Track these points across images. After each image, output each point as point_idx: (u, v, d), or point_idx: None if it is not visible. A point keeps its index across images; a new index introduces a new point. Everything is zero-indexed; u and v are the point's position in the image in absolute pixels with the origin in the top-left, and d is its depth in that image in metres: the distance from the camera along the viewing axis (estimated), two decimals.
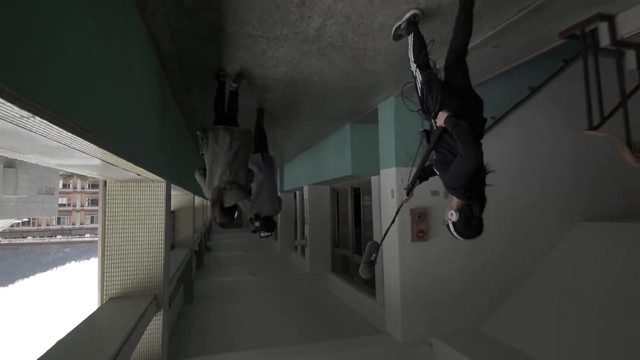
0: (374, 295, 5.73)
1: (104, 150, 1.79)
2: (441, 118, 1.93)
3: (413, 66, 2.20)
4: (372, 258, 2.17)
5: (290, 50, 2.89)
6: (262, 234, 4.33)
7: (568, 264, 4.29)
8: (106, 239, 3.32)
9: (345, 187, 7.26)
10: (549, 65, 4.82)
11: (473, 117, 1.92)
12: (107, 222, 3.32)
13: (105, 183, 3.38)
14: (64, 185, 47.62)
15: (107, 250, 3.30)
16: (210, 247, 13.99)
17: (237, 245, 14.34)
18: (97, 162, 2.20)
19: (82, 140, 1.47)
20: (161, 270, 3.42)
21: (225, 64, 3.17)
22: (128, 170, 2.65)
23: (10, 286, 26.07)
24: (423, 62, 2.15)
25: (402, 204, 2.43)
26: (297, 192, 10.82)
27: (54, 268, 31.98)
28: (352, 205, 6.95)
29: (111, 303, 3.18)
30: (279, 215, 11.78)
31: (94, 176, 3.29)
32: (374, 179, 5.63)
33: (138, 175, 2.94)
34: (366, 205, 6.29)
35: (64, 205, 47.61)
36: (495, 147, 4.47)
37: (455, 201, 1.97)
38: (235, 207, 3.37)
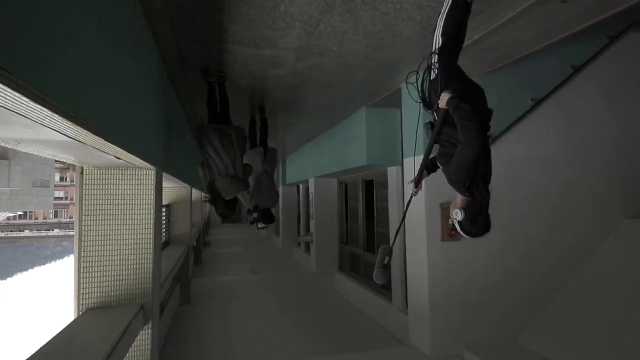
0: (389, 298, 5.19)
1: (70, 123, 1.27)
2: (444, 99, 1.82)
3: (439, 38, 1.93)
4: (386, 262, 2.05)
5: (309, 4, 2.31)
6: (259, 225, 4.54)
7: (617, 267, 3.75)
8: (83, 238, 2.76)
9: (355, 179, 6.69)
10: (593, 42, 4.25)
11: (476, 105, 1.78)
12: (84, 218, 2.76)
13: (82, 170, 2.81)
14: (61, 179, 46.95)
15: (84, 252, 2.75)
16: (209, 243, 13.46)
17: (236, 240, 13.81)
18: (65, 139, 1.65)
19: (41, 108, 1.04)
20: (150, 275, 2.86)
21: (230, 24, 2.59)
22: (105, 152, 2.09)
23: (9, 280, 25.59)
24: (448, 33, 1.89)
25: (411, 197, 2.24)
26: (302, 186, 10.27)
27: (53, 262, 31.50)
28: (363, 200, 6.39)
29: (89, 316, 2.62)
30: (280, 211, 11.25)
31: (69, 161, 2.73)
32: (391, 170, 5.07)
33: (118, 159, 2.38)
34: (381, 199, 5.74)
35: (61, 198, 46.98)
36: (534, 131, 3.91)
37: (459, 199, 1.85)
38: (236, 200, 3.64)
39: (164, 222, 6.32)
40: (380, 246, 2.17)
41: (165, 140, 3.68)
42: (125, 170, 2.86)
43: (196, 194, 9.82)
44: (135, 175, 2.89)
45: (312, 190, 7.73)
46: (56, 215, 46.98)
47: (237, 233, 16.18)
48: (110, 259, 2.78)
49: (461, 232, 1.88)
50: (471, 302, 3.63)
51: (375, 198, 5.87)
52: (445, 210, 3.55)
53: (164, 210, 6.41)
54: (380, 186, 5.75)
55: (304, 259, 9.59)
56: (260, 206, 4.52)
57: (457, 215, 1.82)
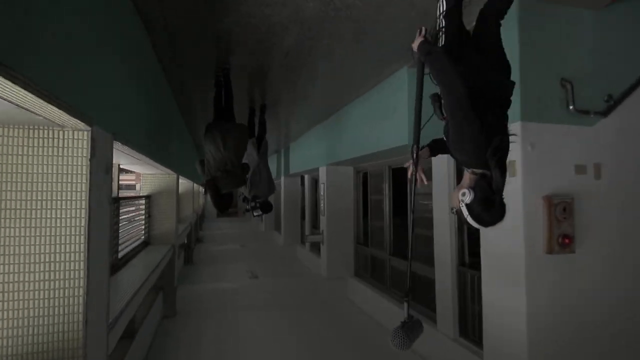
0: (431, 319, 4.01)
1: None
2: (416, 43, 1.65)
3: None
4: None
5: None
6: (255, 213, 4.72)
7: None
8: None
9: (378, 167, 5.47)
10: None
11: (492, 77, 1.55)
12: None
13: None
14: None
15: None
16: (201, 238, 12.24)
17: (233, 236, 12.58)
18: None
19: None
20: (79, 317, 1.64)
21: None
22: None
23: None
24: None
25: (414, 185, 1.85)
26: (307, 176, 9.02)
27: None
28: (389, 191, 5.18)
29: None
30: (281, 205, 10.07)
31: None
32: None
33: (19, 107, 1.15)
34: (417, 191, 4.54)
35: None
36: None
37: (466, 177, 1.53)
38: (231, 195, 3.80)
39: (142, 217, 5.08)
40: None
41: (129, 96, 2.45)
42: (34, 130, 1.62)
43: (186, 184, 8.57)
44: (53, 139, 1.65)
45: (322, 180, 6.50)
46: None
47: (233, 228, 14.96)
48: (7, 292, 1.55)
49: (469, 219, 1.50)
50: (595, 348, 2.44)
51: (410, 190, 4.64)
52: (551, 205, 2.34)
53: (142, 202, 5.17)
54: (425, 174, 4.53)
55: (310, 260, 8.39)
56: (260, 195, 4.69)
57: (465, 196, 1.47)
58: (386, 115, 4.03)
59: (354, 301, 5.81)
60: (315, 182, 8.68)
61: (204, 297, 5.73)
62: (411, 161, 1.87)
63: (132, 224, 4.51)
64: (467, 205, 1.50)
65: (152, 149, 3.39)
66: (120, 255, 3.88)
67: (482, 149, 1.42)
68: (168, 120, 4.42)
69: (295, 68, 3.70)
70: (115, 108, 2.14)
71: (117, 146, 2.26)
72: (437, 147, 1.92)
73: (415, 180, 1.88)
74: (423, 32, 1.66)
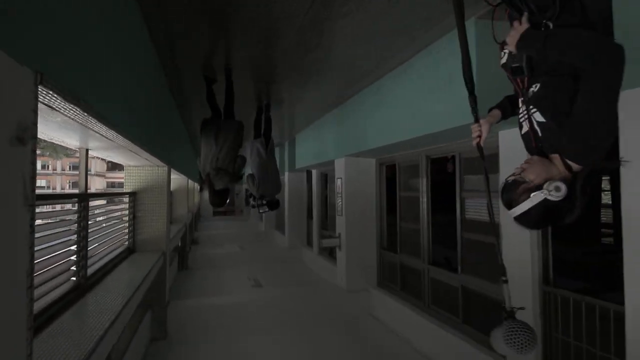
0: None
1: None
2: (517, 32, 1.29)
3: None
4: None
5: None
6: (260, 210, 4.89)
7: None
8: None
9: (411, 158, 4.55)
10: None
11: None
12: None
13: None
14: (43, 167, 44.26)
15: None
16: (197, 240, 11.27)
17: (231, 237, 11.62)
18: None
19: None
20: None
21: None
22: None
23: None
24: None
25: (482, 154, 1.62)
26: (315, 171, 8.09)
27: None
28: (427, 187, 4.26)
29: None
30: (285, 203, 9.16)
31: None
32: (506, 135, 2.96)
33: None
34: (467, 186, 3.63)
35: (43, 187, 44.50)
36: None
37: (558, 166, 1.21)
38: (227, 190, 4.03)
39: (126, 219, 4.13)
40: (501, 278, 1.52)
41: (105, 57, 1.51)
42: None
43: (180, 180, 7.60)
44: None
45: (339, 174, 5.57)
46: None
47: (230, 227, 13.98)
48: None
49: (532, 215, 1.20)
50: None
51: (458, 185, 3.73)
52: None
53: (125, 200, 4.22)
54: (470, 165, 3.64)
55: (319, 265, 7.48)
56: (267, 194, 4.76)
57: (558, 190, 1.14)
58: (435, 88, 3.10)
59: (380, 318, 4.91)
60: (325, 178, 7.75)
61: (200, 313, 4.80)
62: (477, 126, 1.59)
63: (110, 228, 3.56)
64: (554, 200, 1.17)
65: (145, 136, 2.44)
66: (93, 269, 2.94)
67: (609, 142, 1.14)
68: (158, 104, 3.47)
69: (310, 35, 2.77)
70: (83, 65, 1.20)
71: (78, 115, 1.33)
72: (510, 107, 1.59)
73: (482, 152, 1.61)
74: (525, 19, 1.27)
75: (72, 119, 1.62)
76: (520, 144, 2.80)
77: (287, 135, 8.39)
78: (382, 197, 5.37)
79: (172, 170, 5.12)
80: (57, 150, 37.44)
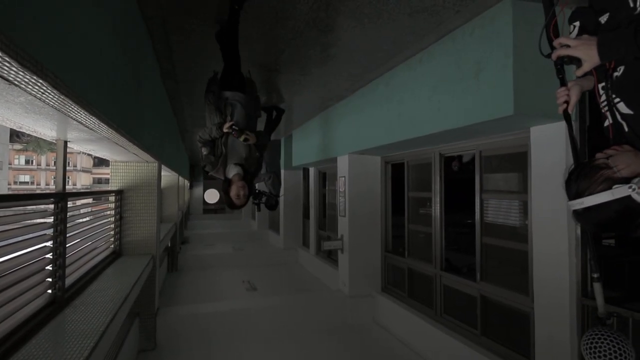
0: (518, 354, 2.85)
1: None
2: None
3: None
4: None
5: None
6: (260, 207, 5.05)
7: None
8: None
9: (423, 156, 4.25)
10: None
11: None
12: None
13: None
14: (27, 162, 43.03)
15: None
16: (187, 239, 10.85)
17: (223, 237, 11.22)
18: None
19: None
20: None
21: None
22: None
23: None
24: None
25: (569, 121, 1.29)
26: (312, 169, 7.76)
27: None
28: (441, 187, 3.97)
29: None
30: (281, 204, 8.81)
31: None
32: (538, 131, 2.68)
33: None
34: (490, 188, 3.34)
35: (26, 183, 43.32)
36: None
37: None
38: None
39: (112, 219, 3.75)
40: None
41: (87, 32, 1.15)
42: None
43: (170, 176, 7.20)
44: None
45: (342, 173, 5.24)
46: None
47: (221, 226, 13.55)
48: None
49: (610, 213, 0.95)
50: None
51: (478, 185, 3.44)
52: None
53: (111, 199, 3.83)
54: (492, 164, 3.36)
55: (316, 267, 7.17)
56: (275, 193, 4.94)
57: None
58: (459, 79, 2.79)
59: (386, 326, 4.62)
60: (323, 176, 7.43)
61: (192, 321, 4.44)
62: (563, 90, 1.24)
63: (93, 231, 3.18)
64: (632, 198, 0.92)
65: (124, 121, 2.08)
66: (72, 279, 2.57)
67: None
68: (148, 92, 3.10)
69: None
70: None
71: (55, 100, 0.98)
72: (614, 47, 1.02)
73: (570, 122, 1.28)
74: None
75: (40, 99, 1.26)
76: (556, 141, 2.53)
77: (282, 131, 8.03)
78: (387, 197, 5.07)
79: (162, 166, 4.75)
80: (40, 145, 36.41)
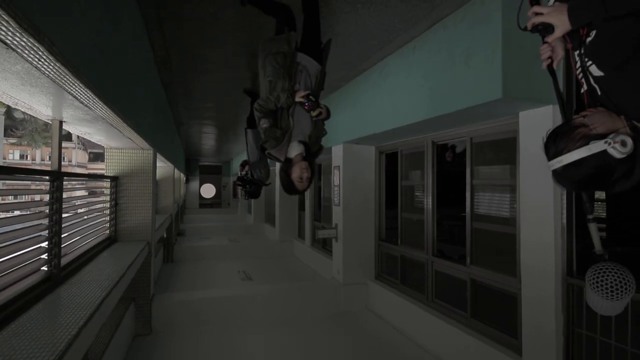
0: (512, 347, 2.92)
1: None
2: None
3: None
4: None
5: None
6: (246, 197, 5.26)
7: None
8: None
9: (415, 145, 4.31)
10: None
11: None
12: None
13: None
14: (21, 157, 42.71)
15: None
16: (183, 232, 10.88)
17: (219, 229, 11.26)
18: None
19: None
20: None
21: None
22: None
23: None
24: None
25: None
26: None
27: None
28: (432, 175, 4.03)
29: None
30: (276, 194, 8.89)
31: None
32: (527, 115, 2.74)
33: None
34: (483, 175, 3.40)
35: None
36: None
37: (619, 120, 1.02)
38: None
39: (107, 206, 3.78)
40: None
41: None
42: None
43: (166, 168, 7.22)
44: None
45: (336, 163, 5.30)
46: (16, 197, 42.72)
47: (217, 220, 13.58)
48: None
49: (589, 175, 0.99)
50: None
51: (469, 173, 3.51)
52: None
53: (107, 185, 3.86)
54: (483, 152, 3.42)
55: (311, 257, 7.23)
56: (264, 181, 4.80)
57: (624, 145, 0.95)
58: (450, 66, 2.84)
59: (379, 313, 4.69)
60: (318, 168, 7.48)
61: (187, 307, 4.48)
62: (546, 46, 1.25)
63: (88, 215, 3.21)
64: (616, 154, 0.95)
65: (120, 99, 2.11)
66: (68, 259, 2.61)
67: None
68: (143, 77, 3.13)
69: None
70: None
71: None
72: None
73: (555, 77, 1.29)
74: None
75: (37, 67, 1.30)
76: (543, 126, 2.59)
77: None
78: (381, 186, 5.13)
79: (158, 155, 4.78)
80: (35, 139, 36.16)
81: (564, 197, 2.53)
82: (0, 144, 27.67)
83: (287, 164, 2.13)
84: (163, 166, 7.08)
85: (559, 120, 2.54)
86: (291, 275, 6.76)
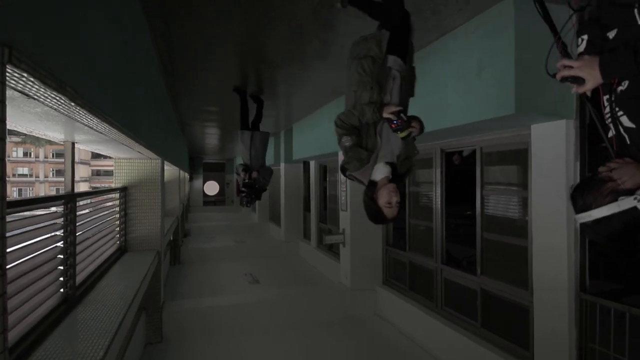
0: (516, 356, 2.93)
1: None
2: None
3: None
4: None
5: None
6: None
7: None
8: None
9: (424, 150, 4.29)
10: None
11: None
12: None
13: None
14: (25, 154, 42.87)
15: None
16: (189, 232, 10.93)
17: (223, 229, 11.29)
18: None
19: None
20: None
21: None
22: None
23: None
24: None
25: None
26: (313, 162, 7.80)
27: None
28: (441, 182, 4.02)
29: None
30: (281, 196, 8.89)
31: None
32: (539, 129, 2.71)
33: None
34: (492, 182, 3.38)
35: (25, 175, 43.19)
36: None
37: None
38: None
39: (117, 216, 3.79)
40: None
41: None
42: None
43: (171, 170, 7.23)
44: None
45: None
46: (20, 193, 43.02)
47: (222, 219, 13.62)
48: None
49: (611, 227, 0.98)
50: None
51: (479, 180, 3.49)
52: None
53: (116, 196, 3.87)
54: (492, 159, 3.39)
55: (317, 259, 7.25)
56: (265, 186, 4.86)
57: None
58: (461, 77, 2.81)
59: (387, 318, 4.71)
60: (324, 169, 7.47)
61: (197, 314, 4.52)
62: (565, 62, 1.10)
63: (100, 229, 3.23)
64: (638, 209, 0.93)
65: (131, 123, 2.10)
66: (81, 278, 2.62)
67: None
68: (151, 91, 3.11)
69: None
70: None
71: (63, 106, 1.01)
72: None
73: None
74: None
75: (56, 109, 1.29)
76: (557, 139, 2.56)
77: (283, 125, 8.04)
78: None
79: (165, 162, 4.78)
80: (38, 138, 36.25)
81: None
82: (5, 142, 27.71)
83: (372, 188, 1.82)
84: (168, 169, 7.09)
85: (572, 135, 2.53)
86: (298, 277, 6.78)
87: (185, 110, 6.42)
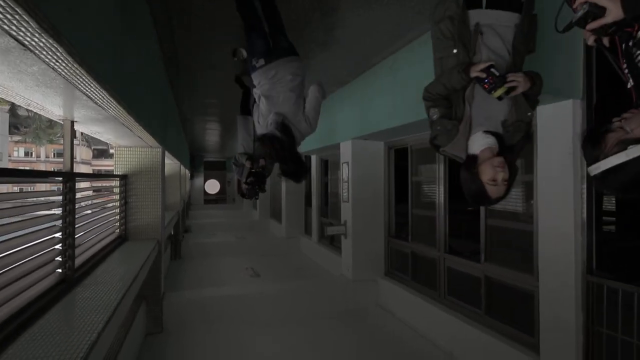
0: (529, 346, 2.88)
1: None
2: None
3: None
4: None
5: None
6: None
7: None
8: None
9: (427, 140, 4.25)
10: None
11: None
12: None
13: None
14: (26, 154, 42.89)
15: None
16: (189, 228, 10.90)
17: (224, 226, 11.26)
18: None
19: None
20: None
21: None
22: None
23: None
24: None
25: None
26: (314, 157, 7.76)
27: None
28: (445, 170, 3.98)
29: None
30: (282, 190, 8.86)
31: None
32: (547, 110, 2.67)
33: None
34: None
35: None
36: None
37: None
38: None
39: (117, 204, 3.76)
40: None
41: None
42: None
43: (172, 165, 7.20)
44: None
45: (345, 159, 5.25)
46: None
47: (223, 216, 13.59)
48: None
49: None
50: None
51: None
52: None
53: (116, 184, 3.84)
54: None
55: (319, 254, 7.20)
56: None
57: None
58: None
59: (389, 309, 4.66)
60: (325, 164, 7.43)
61: (197, 305, 4.48)
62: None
63: (99, 214, 3.19)
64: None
65: (131, 100, 2.06)
66: (80, 261, 2.58)
67: None
68: (152, 75, 3.08)
69: None
70: None
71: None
72: None
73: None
74: None
75: (54, 68, 1.26)
76: (563, 121, 2.52)
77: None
78: (390, 182, 5.08)
79: (165, 153, 4.75)
80: (40, 136, 36.25)
81: (584, 190, 2.47)
82: (5, 141, 27.77)
83: (471, 162, 1.59)
84: (170, 163, 7.06)
85: (578, 115, 2.49)
86: (299, 271, 6.74)
87: (187, 106, 6.40)
